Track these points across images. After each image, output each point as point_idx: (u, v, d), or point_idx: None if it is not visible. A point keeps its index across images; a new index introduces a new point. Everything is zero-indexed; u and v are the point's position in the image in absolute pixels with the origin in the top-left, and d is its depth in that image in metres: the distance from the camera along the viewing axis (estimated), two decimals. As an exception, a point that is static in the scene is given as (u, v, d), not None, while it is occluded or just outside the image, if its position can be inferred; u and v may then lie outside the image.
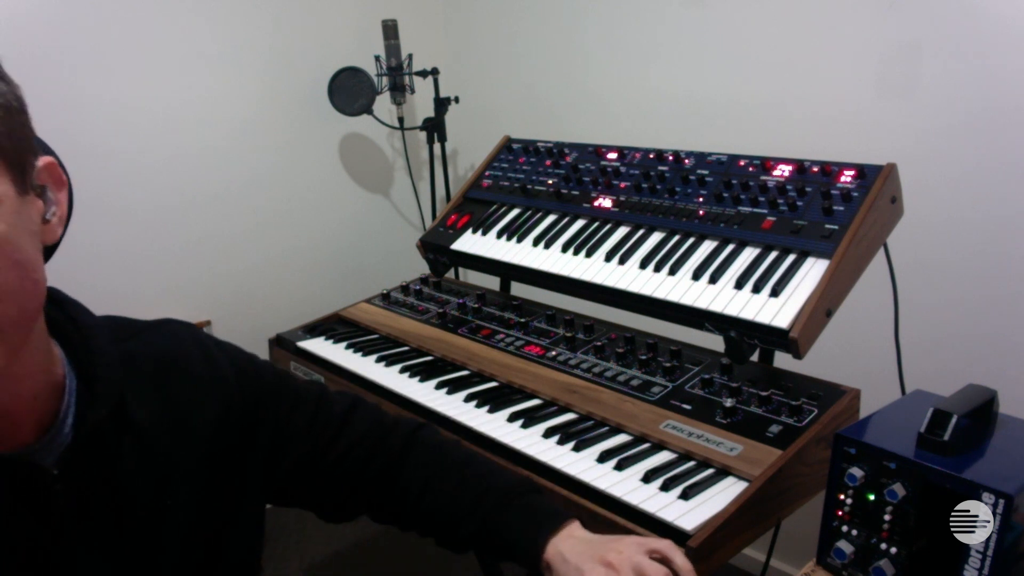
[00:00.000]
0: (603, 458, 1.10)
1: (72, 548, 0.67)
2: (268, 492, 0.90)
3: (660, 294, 1.29)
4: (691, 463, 1.09)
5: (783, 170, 1.35)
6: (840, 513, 0.90)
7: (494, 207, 1.70)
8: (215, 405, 0.81)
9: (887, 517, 0.85)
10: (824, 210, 1.24)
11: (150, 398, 0.76)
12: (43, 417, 0.67)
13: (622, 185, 1.53)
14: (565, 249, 1.48)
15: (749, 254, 1.29)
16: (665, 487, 1.02)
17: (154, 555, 0.74)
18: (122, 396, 0.72)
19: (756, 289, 1.21)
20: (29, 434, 0.66)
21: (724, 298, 1.23)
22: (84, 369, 0.70)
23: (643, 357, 1.34)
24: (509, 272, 1.58)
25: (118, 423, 0.72)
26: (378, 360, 1.49)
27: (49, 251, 0.75)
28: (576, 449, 1.14)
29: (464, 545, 0.91)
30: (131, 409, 0.73)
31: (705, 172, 1.44)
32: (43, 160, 0.66)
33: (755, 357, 1.27)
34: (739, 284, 1.23)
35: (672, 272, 1.32)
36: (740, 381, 1.24)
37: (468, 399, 1.31)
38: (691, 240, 1.36)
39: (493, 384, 1.38)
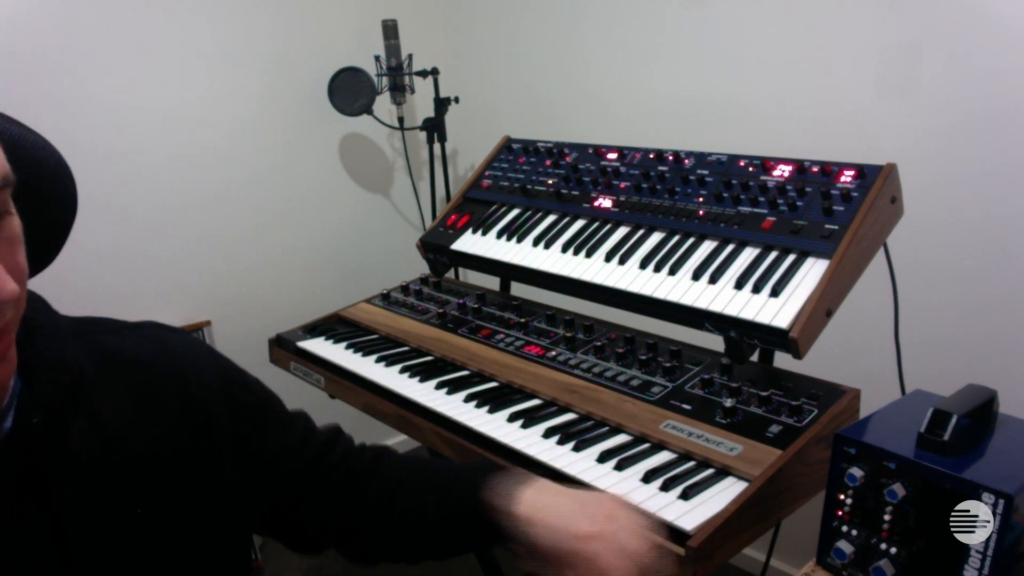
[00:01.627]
0: (603, 458, 1.10)
1: (9, 560, 0.64)
2: (258, 514, 0.87)
3: (660, 294, 1.29)
4: (691, 463, 1.09)
5: (783, 170, 1.35)
6: (840, 513, 0.90)
7: (494, 207, 1.70)
8: (196, 414, 0.78)
9: (887, 517, 0.85)
10: (824, 210, 1.24)
11: (123, 399, 0.73)
12: None
13: (622, 185, 1.53)
14: (565, 249, 1.48)
15: (749, 254, 1.29)
16: (665, 487, 1.02)
17: (121, 565, 0.70)
18: (75, 397, 0.69)
19: (756, 289, 1.21)
20: None
21: (724, 298, 1.23)
22: (28, 372, 0.67)
23: (643, 357, 1.34)
24: (509, 272, 1.58)
25: (83, 425, 0.69)
26: (378, 360, 1.49)
27: (47, 256, 0.75)
28: (576, 449, 1.14)
29: (440, 539, 0.85)
30: (100, 409, 0.71)
31: (705, 172, 1.44)
32: None
33: (755, 357, 1.27)
34: (739, 284, 1.23)
35: (672, 272, 1.32)
36: (740, 381, 1.24)
37: (468, 399, 1.31)
38: (691, 240, 1.36)
39: (493, 384, 1.38)
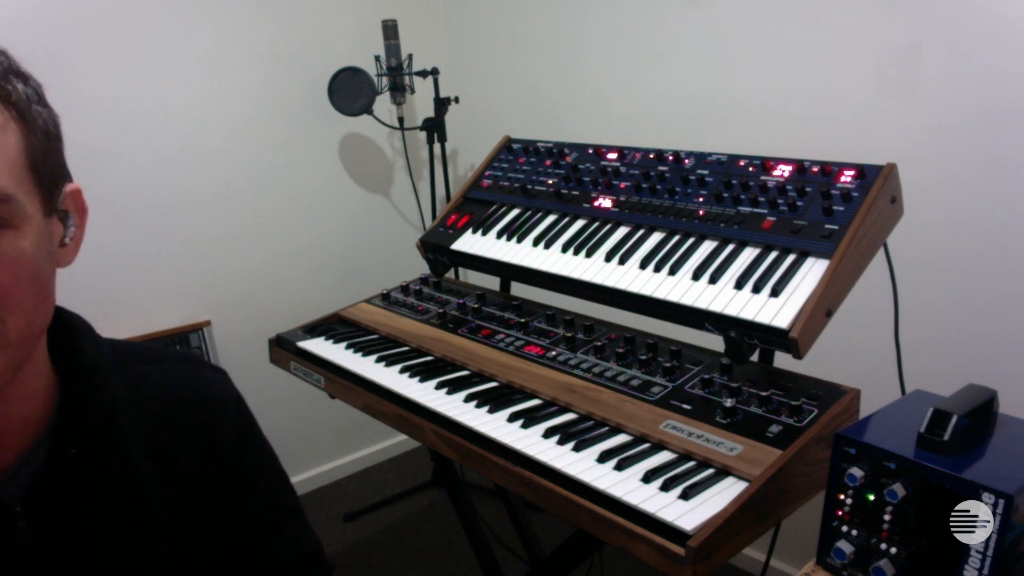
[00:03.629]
0: (603, 458, 1.10)
1: None
2: None
3: (660, 294, 1.29)
4: (691, 463, 1.09)
5: (783, 170, 1.35)
6: (840, 513, 0.90)
7: (494, 207, 1.70)
8: (212, 455, 0.79)
9: (887, 517, 0.85)
10: (824, 210, 1.24)
11: (149, 434, 0.74)
12: (31, 444, 0.66)
13: (622, 185, 1.53)
14: (565, 249, 1.48)
15: (749, 254, 1.29)
16: (665, 487, 1.02)
17: None
18: (110, 432, 0.70)
19: (756, 289, 1.21)
20: (10, 460, 0.65)
21: (724, 298, 1.23)
22: (71, 404, 0.69)
23: (643, 357, 1.34)
24: (509, 272, 1.58)
25: (108, 454, 0.70)
26: (378, 360, 1.49)
27: None
28: (576, 449, 1.14)
29: None
30: (129, 446, 0.72)
31: (705, 172, 1.44)
32: (70, 187, 0.68)
33: (755, 357, 1.27)
34: (739, 284, 1.23)
35: (672, 272, 1.32)
36: (740, 381, 1.24)
37: (468, 399, 1.31)
38: (691, 240, 1.36)
39: (493, 384, 1.38)
